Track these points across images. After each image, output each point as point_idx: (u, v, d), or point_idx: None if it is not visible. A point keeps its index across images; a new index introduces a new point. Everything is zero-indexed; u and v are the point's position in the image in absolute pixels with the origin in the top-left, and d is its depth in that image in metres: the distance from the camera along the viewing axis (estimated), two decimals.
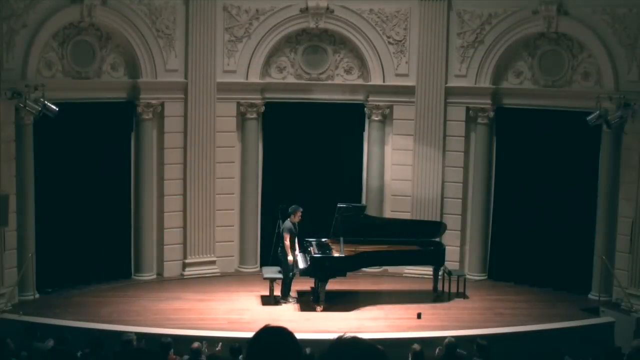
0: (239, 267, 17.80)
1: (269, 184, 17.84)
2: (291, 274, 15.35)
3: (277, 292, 15.53)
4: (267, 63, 17.53)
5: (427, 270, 16.47)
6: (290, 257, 15.22)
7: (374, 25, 17.28)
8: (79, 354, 10.68)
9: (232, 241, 17.72)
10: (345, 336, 2.83)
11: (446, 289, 16.14)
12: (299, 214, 15.35)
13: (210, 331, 13.55)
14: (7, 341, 10.58)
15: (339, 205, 15.35)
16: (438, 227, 16.28)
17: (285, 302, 15.39)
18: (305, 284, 15.83)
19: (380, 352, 2.85)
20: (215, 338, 12.80)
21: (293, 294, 15.62)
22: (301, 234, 16.00)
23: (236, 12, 17.09)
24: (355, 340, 2.80)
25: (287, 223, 15.34)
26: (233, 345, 10.82)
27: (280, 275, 15.52)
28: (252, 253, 17.79)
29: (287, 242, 15.23)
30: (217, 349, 11.50)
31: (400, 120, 17.52)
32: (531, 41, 16.93)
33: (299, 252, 15.53)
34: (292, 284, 15.75)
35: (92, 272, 16.59)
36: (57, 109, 14.84)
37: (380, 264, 16.93)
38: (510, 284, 17.23)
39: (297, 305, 15.30)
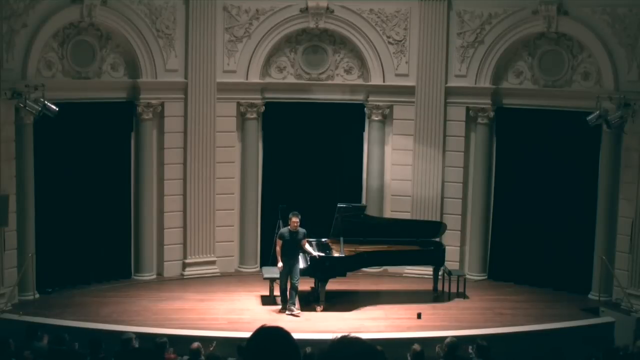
0: (239, 267, 17.80)
1: (269, 184, 17.85)
2: (288, 282, 14.81)
3: (277, 292, 15.52)
4: (267, 63, 17.54)
5: (427, 270, 16.48)
6: (279, 264, 14.81)
7: (374, 25, 17.29)
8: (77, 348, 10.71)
9: (232, 241, 17.72)
10: (347, 336, 2.84)
11: (446, 289, 16.14)
12: (293, 220, 14.78)
13: (210, 331, 13.54)
14: (9, 341, 10.59)
15: (339, 205, 15.35)
16: (438, 227, 16.28)
17: (288, 312, 14.86)
18: (305, 284, 15.82)
19: (381, 353, 2.85)
20: (216, 338, 12.78)
21: (297, 305, 14.98)
22: None
23: (236, 12, 17.10)
24: (355, 340, 2.81)
25: (283, 228, 15.08)
26: (240, 345, 10.78)
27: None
28: (252, 253, 17.79)
29: (277, 248, 14.87)
30: (210, 348, 11.49)
31: (400, 120, 17.52)
32: (531, 41, 16.93)
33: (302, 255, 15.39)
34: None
35: (92, 272, 16.59)
36: (57, 109, 14.85)
37: (380, 264, 16.93)
38: (510, 284, 17.23)
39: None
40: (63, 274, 16.15)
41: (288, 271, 14.83)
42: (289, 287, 14.88)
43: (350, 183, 17.86)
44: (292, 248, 14.89)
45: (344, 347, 2.76)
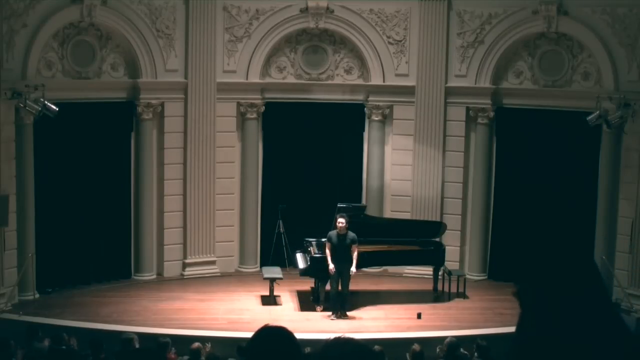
0: (239, 267, 17.80)
1: (269, 184, 17.84)
2: (333, 285, 14.52)
3: (277, 292, 15.52)
4: (267, 63, 17.53)
5: (427, 270, 16.47)
6: (330, 266, 14.36)
7: (374, 25, 17.28)
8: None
9: (232, 241, 17.71)
10: (341, 336, 2.84)
11: (446, 289, 16.14)
12: (339, 220, 14.35)
13: (210, 331, 13.55)
14: (10, 342, 10.59)
15: (339, 205, 15.33)
16: (438, 227, 16.28)
17: (335, 316, 14.60)
18: (305, 284, 15.83)
19: (374, 353, 2.85)
20: (217, 338, 12.79)
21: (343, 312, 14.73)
22: (301, 234, 15.99)
23: (236, 12, 17.09)
24: (349, 340, 2.80)
25: (331, 231, 14.53)
26: (240, 345, 10.77)
27: (281, 276, 15.50)
28: (252, 253, 17.78)
29: (327, 251, 14.42)
30: (207, 349, 11.49)
31: (400, 120, 17.52)
32: (531, 41, 16.93)
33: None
34: (291, 284, 15.76)
35: (92, 272, 16.59)
36: (57, 109, 14.85)
37: (380, 264, 16.92)
38: (510, 284, 17.20)
39: (296, 306, 15.22)
40: (63, 274, 16.15)
41: (338, 276, 14.48)
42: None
43: (350, 183, 17.86)
44: (340, 252, 14.41)
45: (336, 348, 2.76)
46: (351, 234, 14.46)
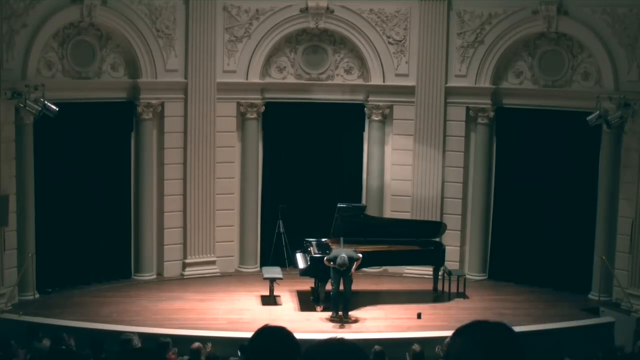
0: (239, 267, 17.80)
1: (269, 184, 17.85)
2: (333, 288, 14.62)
3: (277, 292, 15.52)
4: (267, 63, 17.54)
5: (427, 270, 16.48)
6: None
7: (374, 25, 17.28)
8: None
9: (232, 241, 17.71)
10: (333, 338, 2.83)
11: (446, 289, 16.15)
12: (339, 264, 14.21)
13: (210, 331, 13.55)
14: (11, 342, 10.59)
15: (339, 205, 15.35)
16: (438, 227, 16.28)
17: (334, 318, 14.62)
18: (305, 284, 15.83)
19: (364, 354, 2.84)
20: (217, 338, 12.79)
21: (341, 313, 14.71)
22: (301, 234, 16.01)
23: (236, 12, 17.09)
24: (338, 341, 2.80)
25: (334, 254, 14.43)
26: (243, 344, 10.78)
27: (281, 276, 15.51)
28: (252, 253, 17.79)
29: (327, 263, 14.42)
30: (207, 349, 11.49)
31: (400, 120, 17.52)
32: (531, 41, 16.93)
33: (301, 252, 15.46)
34: (291, 284, 15.75)
35: (92, 272, 16.59)
36: (57, 109, 14.85)
37: (380, 264, 16.92)
38: (510, 284, 17.23)
39: (297, 306, 15.25)
40: (63, 274, 16.15)
41: (339, 276, 14.46)
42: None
43: (350, 183, 17.86)
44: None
45: (326, 347, 2.75)
46: (354, 255, 14.42)
